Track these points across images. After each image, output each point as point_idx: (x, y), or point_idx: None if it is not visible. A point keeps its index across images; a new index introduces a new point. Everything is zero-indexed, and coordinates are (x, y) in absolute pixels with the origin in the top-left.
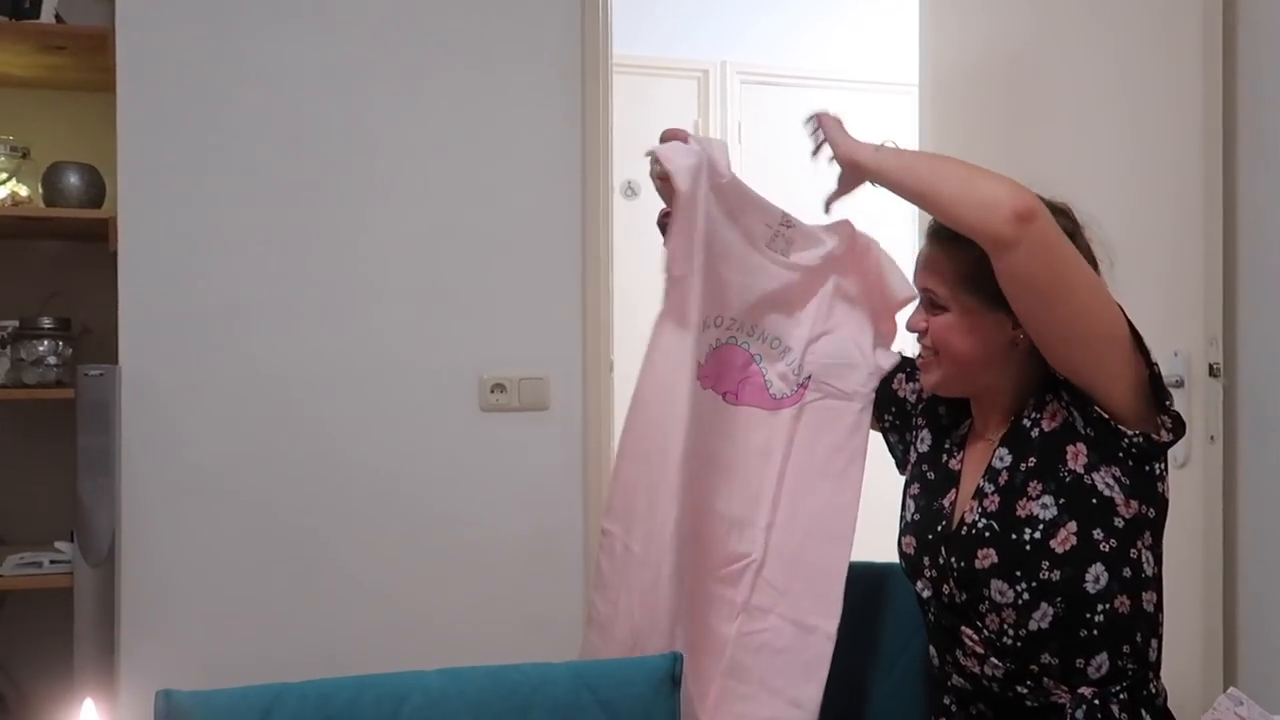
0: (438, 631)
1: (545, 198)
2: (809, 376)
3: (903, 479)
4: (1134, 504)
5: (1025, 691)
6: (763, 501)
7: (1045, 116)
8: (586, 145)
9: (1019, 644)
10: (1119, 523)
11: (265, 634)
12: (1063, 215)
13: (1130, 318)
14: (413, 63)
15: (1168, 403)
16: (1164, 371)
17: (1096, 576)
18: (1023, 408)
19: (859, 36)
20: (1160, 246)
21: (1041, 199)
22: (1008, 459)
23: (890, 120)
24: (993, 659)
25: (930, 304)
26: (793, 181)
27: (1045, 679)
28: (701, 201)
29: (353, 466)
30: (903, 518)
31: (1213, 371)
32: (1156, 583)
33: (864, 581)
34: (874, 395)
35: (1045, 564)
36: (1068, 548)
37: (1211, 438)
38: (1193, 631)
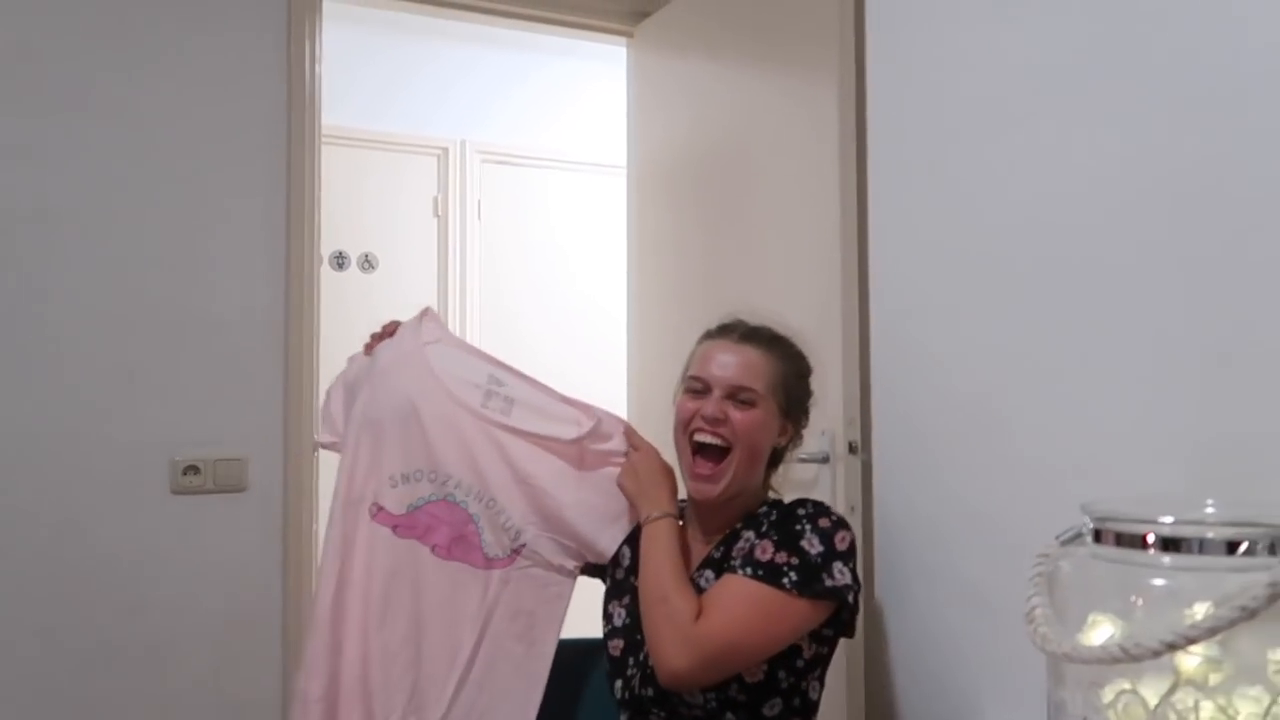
0: None
1: (246, 273)
2: (524, 544)
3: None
4: (814, 647)
5: None
6: (459, 659)
7: (729, 206)
8: (291, 219)
9: None
10: (800, 664)
11: None
12: (800, 362)
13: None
14: (103, 125)
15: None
16: (811, 449)
17: (773, 704)
18: (735, 526)
19: (586, 121)
20: (808, 333)
21: (780, 345)
22: (712, 580)
23: (608, 199)
24: None
25: (737, 398)
26: (527, 256)
27: None
28: (358, 384)
29: (30, 552)
30: (609, 624)
31: (852, 449)
32: (818, 705)
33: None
34: (579, 571)
35: (734, 686)
36: (755, 680)
37: (852, 509)
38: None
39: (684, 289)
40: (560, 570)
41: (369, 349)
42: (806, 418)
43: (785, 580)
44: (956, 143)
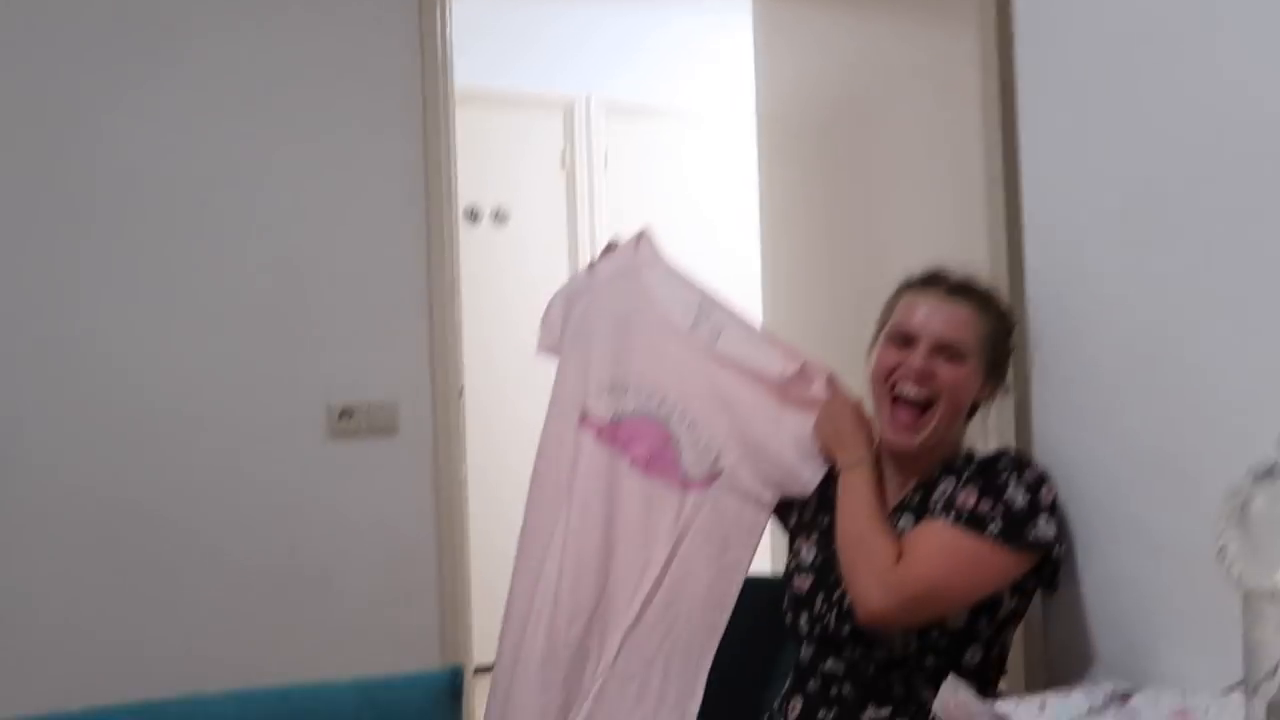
0: (291, 658)
1: (389, 224)
2: (722, 469)
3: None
4: (1015, 599)
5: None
6: (649, 573)
7: (865, 155)
8: (429, 172)
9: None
10: (1002, 614)
11: (113, 663)
12: (1006, 319)
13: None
14: (249, 95)
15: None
16: None
17: (974, 651)
18: (934, 474)
19: (712, 73)
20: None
21: (989, 301)
22: (911, 524)
23: (737, 151)
24: (849, 683)
25: (945, 353)
26: (656, 208)
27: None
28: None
29: (198, 496)
30: (795, 560)
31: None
32: (1007, 655)
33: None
34: (776, 503)
35: (936, 631)
36: (957, 626)
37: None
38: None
39: (819, 240)
40: (757, 501)
41: (592, 266)
42: (1006, 375)
43: (990, 529)
44: (1114, 76)
